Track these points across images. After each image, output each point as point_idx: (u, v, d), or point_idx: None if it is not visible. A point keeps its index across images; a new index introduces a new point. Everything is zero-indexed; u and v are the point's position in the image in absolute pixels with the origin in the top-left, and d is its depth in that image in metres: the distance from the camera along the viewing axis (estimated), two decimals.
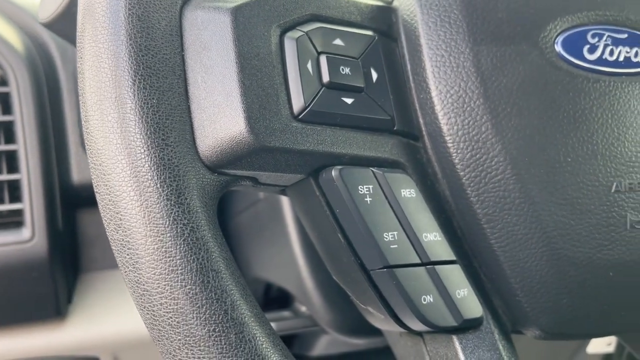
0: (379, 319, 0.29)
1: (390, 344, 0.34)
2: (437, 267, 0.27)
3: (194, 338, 0.22)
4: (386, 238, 0.27)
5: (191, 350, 0.23)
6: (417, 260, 0.27)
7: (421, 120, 0.29)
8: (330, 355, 0.50)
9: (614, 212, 0.28)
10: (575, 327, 0.30)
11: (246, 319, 0.23)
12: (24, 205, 0.45)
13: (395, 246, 0.27)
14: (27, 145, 0.46)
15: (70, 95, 0.52)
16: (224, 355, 0.23)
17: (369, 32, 0.29)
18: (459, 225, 0.29)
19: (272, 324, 0.25)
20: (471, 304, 0.28)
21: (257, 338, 0.23)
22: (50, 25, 0.38)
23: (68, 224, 0.51)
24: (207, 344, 0.22)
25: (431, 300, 0.27)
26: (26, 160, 0.46)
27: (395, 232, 0.27)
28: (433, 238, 0.27)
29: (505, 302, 0.29)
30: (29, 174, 0.46)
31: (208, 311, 0.22)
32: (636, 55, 0.30)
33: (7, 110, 0.47)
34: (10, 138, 0.47)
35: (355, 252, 0.28)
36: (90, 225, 0.53)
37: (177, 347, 0.23)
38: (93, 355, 0.49)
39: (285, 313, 0.48)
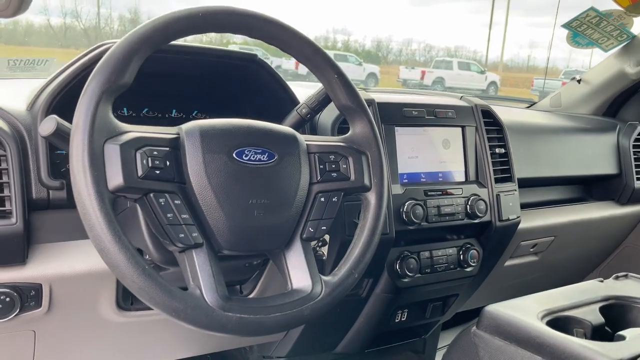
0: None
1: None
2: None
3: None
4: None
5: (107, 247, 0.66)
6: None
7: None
8: None
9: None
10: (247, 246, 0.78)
11: (120, 236, 0.66)
12: (12, 207, 0.85)
13: None
14: (14, 180, 0.85)
15: (32, 155, 0.89)
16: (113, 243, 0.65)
17: (168, 148, 0.73)
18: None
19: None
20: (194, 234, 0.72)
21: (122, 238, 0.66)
22: (46, 138, 0.72)
23: (30, 218, 0.89)
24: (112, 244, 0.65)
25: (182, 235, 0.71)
26: (14, 186, 0.84)
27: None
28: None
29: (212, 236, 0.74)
30: (15, 193, 0.85)
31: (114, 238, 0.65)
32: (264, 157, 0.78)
33: (3, 162, 0.85)
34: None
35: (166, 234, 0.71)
36: (40, 219, 0.91)
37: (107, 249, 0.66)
38: (38, 282, 0.89)
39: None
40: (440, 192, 1.23)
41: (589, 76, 1.87)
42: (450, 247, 1.29)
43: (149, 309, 0.92)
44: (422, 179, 1.24)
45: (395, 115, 1.21)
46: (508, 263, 1.54)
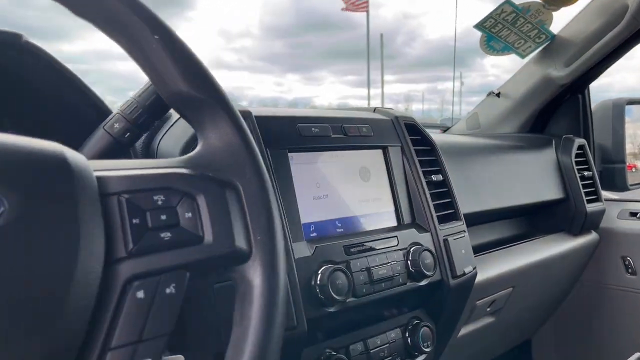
0: None
1: None
2: None
3: None
4: None
5: None
6: None
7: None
8: None
9: None
10: None
11: None
12: None
13: None
14: None
15: None
16: None
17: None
18: None
19: None
20: None
21: None
22: None
23: None
24: None
25: None
26: None
27: None
28: None
29: None
30: None
31: None
32: None
33: None
34: None
35: None
36: None
37: None
38: None
39: None
40: (368, 247, 0.79)
41: (507, 89, 1.58)
42: (392, 329, 0.85)
43: None
44: (337, 229, 0.80)
45: (288, 136, 0.78)
46: (462, 332, 1.13)
